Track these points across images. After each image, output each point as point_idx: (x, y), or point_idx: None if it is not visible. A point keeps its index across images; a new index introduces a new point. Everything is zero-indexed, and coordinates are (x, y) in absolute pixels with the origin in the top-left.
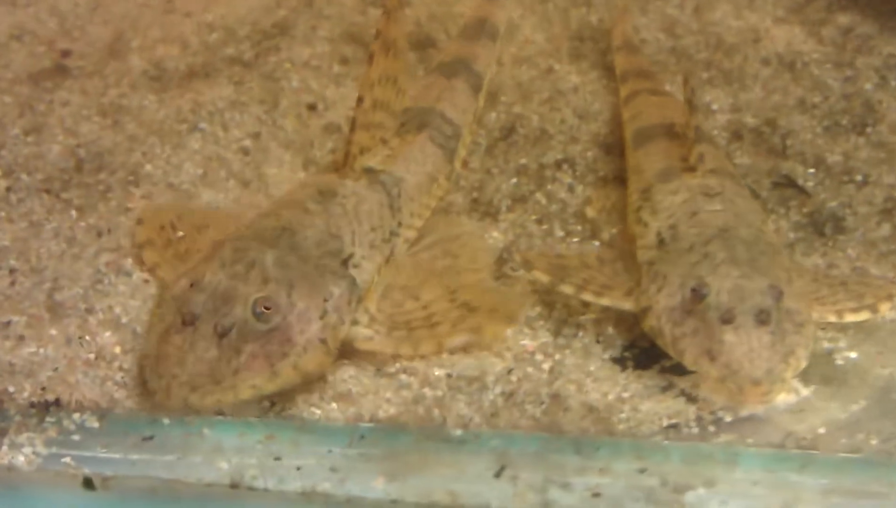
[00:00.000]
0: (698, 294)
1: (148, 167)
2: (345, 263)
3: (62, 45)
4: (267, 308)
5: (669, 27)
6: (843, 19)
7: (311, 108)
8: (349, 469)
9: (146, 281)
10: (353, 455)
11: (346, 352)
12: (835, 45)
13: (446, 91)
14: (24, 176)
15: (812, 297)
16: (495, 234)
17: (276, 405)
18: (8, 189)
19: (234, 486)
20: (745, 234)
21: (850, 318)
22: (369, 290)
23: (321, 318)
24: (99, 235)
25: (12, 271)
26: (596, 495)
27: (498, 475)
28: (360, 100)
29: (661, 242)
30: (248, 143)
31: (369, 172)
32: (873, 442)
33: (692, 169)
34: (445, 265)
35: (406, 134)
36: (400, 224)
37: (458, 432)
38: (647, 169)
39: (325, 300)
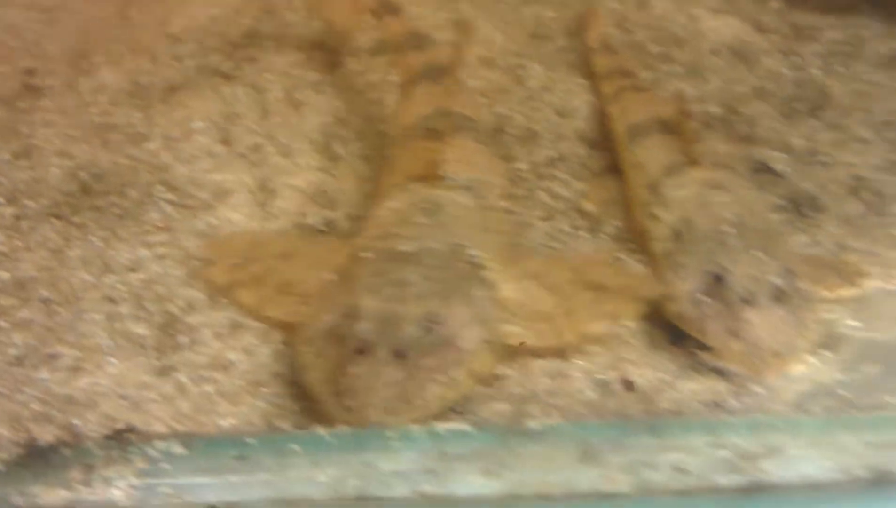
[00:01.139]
0: (720, 279)
1: (159, 188)
2: (476, 265)
3: (24, 63)
4: (433, 323)
5: (620, 22)
6: (776, 5)
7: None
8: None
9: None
10: (448, 455)
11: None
12: (778, 34)
13: None
14: (29, 202)
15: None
16: None
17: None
18: (17, 217)
19: (360, 499)
20: (754, 222)
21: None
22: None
23: (479, 322)
24: (132, 269)
25: (46, 301)
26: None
27: (584, 461)
28: None
29: (676, 234)
30: (253, 156)
31: None
32: (889, 399)
33: (695, 163)
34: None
35: None
36: None
37: (536, 425)
38: (649, 164)
39: (476, 304)
